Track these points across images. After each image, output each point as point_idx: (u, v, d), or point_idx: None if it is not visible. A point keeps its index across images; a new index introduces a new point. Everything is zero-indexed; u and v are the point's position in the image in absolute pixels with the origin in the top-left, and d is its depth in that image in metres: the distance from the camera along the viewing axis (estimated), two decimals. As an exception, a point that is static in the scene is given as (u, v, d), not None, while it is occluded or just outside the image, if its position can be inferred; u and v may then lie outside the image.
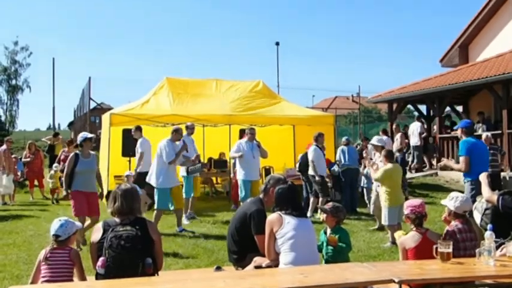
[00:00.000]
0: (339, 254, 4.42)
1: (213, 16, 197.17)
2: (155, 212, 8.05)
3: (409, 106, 19.47)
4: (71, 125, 35.84)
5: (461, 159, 6.49)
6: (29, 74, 65.49)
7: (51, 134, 17.45)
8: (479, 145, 6.68)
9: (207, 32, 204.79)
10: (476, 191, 5.69)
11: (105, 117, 12.37)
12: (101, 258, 3.49)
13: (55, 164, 12.84)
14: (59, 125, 56.93)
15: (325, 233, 4.60)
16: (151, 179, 8.26)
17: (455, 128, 8.06)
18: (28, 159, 13.18)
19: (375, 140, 8.51)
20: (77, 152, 7.22)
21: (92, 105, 18.65)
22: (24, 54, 44.81)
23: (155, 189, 8.21)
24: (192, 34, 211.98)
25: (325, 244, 4.50)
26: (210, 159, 13.68)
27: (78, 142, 7.27)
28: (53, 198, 12.26)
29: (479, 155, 6.50)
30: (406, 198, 8.83)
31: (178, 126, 8.87)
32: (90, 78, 17.90)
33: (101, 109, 22.33)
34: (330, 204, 4.76)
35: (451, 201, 4.20)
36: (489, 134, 11.11)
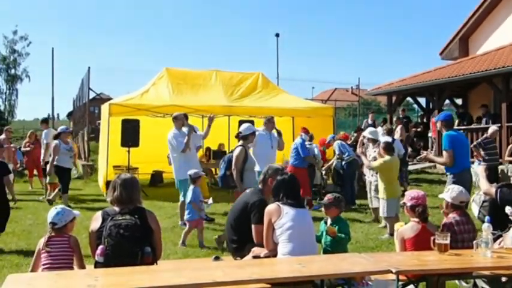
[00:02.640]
0: (337, 244, 4.44)
1: (213, 7, 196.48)
2: (180, 203, 7.76)
3: (409, 99, 19.46)
4: (70, 115, 35.77)
5: (445, 153, 6.46)
6: (28, 64, 65.48)
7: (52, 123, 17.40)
8: (460, 138, 6.69)
9: (207, 23, 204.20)
10: (458, 184, 5.71)
11: (105, 108, 12.36)
12: (100, 247, 3.50)
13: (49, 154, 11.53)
14: (58, 114, 56.63)
15: (326, 223, 4.62)
16: (174, 175, 8.09)
17: (435, 119, 8.02)
18: (28, 149, 13.13)
19: (367, 133, 8.44)
20: (242, 145, 6.39)
21: (91, 95, 18.60)
22: (24, 44, 44.64)
23: (178, 182, 7.86)
24: (191, 25, 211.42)
25: (324, 234, 4.52)
26: (208, 149, 13.73)
27: (245, 134, 6.43)
28: (46, 197, 10.53)
29: (461, 148, 6.50)
30: (405, 190, 8.85)
31: (177, 113, 8.54)
32: (89, 68, 17.83)
33: (100, 99, 22.27)
34: (331, 195, 4.75)
35: (447, 193, 4.24)
36: (495, 127, 11.31)
